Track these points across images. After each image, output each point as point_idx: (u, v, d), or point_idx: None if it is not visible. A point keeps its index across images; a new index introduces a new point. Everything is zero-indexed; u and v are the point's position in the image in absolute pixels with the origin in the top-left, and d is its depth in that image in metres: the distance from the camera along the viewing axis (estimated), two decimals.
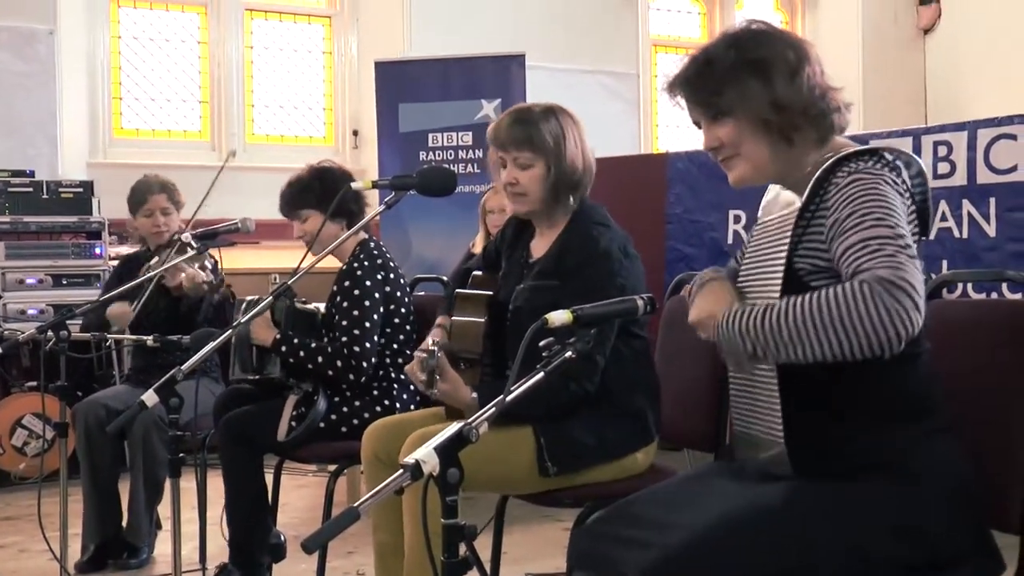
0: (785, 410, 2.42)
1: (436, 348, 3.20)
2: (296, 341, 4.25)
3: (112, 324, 4.98)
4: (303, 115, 9.70)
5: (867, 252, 2.20)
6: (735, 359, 2.45)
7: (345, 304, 4.30)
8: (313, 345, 4.26)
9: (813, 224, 2.40)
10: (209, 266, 4.66)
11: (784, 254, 2.43)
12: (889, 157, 2.43)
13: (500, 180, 3.57)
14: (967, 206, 5.56)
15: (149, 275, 4.66)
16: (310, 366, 4.23)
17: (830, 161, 2.42)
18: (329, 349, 4.25)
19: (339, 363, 4.23)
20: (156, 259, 5.09)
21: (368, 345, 4.27)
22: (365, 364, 4.26)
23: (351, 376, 4.25)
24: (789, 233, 2.44)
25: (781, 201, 2.64)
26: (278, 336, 4.24)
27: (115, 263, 7.06)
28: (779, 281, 2.41)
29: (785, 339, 2.22)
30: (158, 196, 5.28)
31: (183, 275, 4.66)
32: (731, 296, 2.53)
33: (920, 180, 2.47)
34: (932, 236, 5.56)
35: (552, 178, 3.43)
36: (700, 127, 2.64)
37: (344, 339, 4.25)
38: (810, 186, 2.42)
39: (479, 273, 3.83)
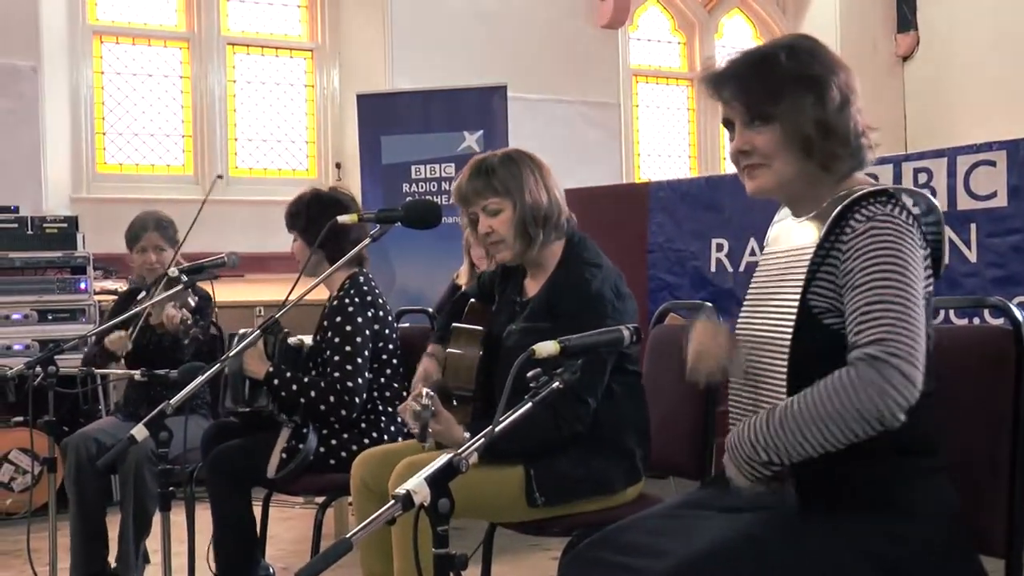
0: None
1: (430, 403, 3.22)
2: (289, 375, 4.25)
3: (112, 351, 4.98)
4: (286, 148, 9.73)
5: (866, 320, 2.23)
6: (752, 478, 2.39)
7: (337, 340, 4.30)
8: (306, 380, 4.26)
9: (828, 262, 2.39)
10: (192, 303, 4.67)
11: (797, 292, 2.41)
12: (907, 201, 2.42)
13: (476, 239, 3.63)
14: (948, 232, 5.60)
15: (136, 311, 4.67)
16: (302, 400, 4.23)
17: (848, 200, 2.39)
18: (321, 384, 4.24)
19: (331, 399, 4.23)
20: (143, 294, 5.10)
21: (360, 381, 4.27)
22: (357, 400, 4.26)
23: (342, 412, 4.25)
24: (802, 271, 2.41)
25: (794, 234, 2.58)
26: (271, 369, 4.24)
27: (100, 297, 7.11)
28: (792, 319, 2.40)
29: (791, 439, 2.25)
30: (152, 234, 5.30)
31: (163, 315, 4.69)
32: (725, 335, 2.54)
33: (935, 223, 2.46)
34: None
35: (519, 216, 3.46)
36: (728, 127, 2.59)
37: (336, 375, 4.25)
38: (827, 224, 2.40)
39: (475, 301, 3.86)
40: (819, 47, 2.53)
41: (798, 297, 2.40)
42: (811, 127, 2.43)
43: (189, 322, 4.64)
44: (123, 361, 5.00)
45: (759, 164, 2.51)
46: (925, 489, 2.37)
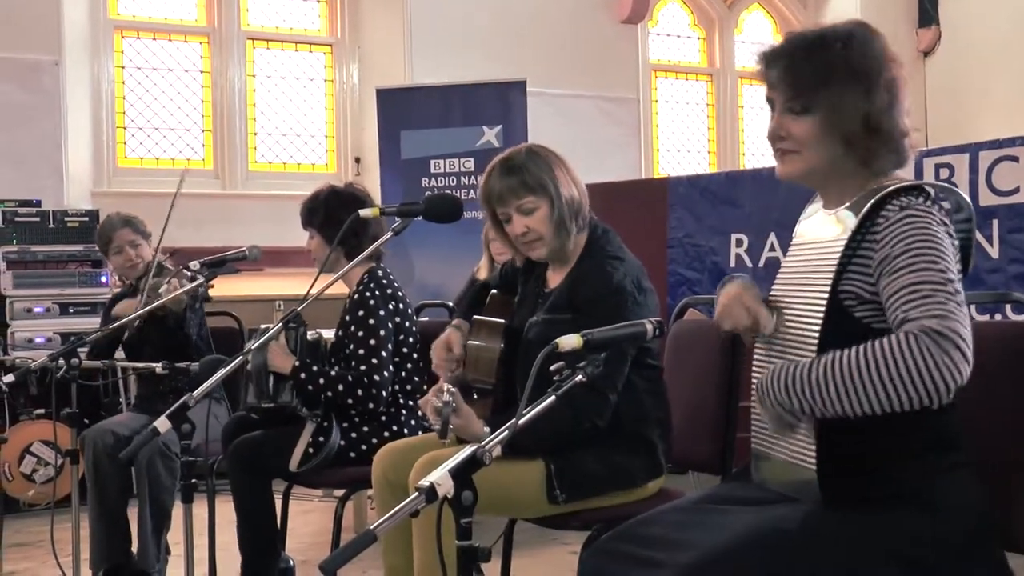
0: (821, 436, 2.39)
1: (451, 399, 3.20)
2: (315, 369, 4.24)
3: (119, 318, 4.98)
4: (305, 143, 9.75)
5: (916, 298, 2.21)
6: (777, 420, 2.37)
7: (360, 333, 4.29)
8: (333, 374, 4.25)
9: (860, 253, 2.38)
10: (188, 274, 4.68)
11: (828, 283, 2.40)
12: (937, 195, 2.41)
13: (509, 236, 3.54)
14: None
15: (138, 312, 4.67)
16: (329, 394, 4.22)
17: (881, 193, 2.38)
18: (349, 378, 4.23)
19: (359, 392, 4.21)
20: (139, 296, 5.11)
21: (386, 374, 4.26)
22: (384, 393, 4.25)
23: (370, 405, 4.24)
24: (833, 262, 2.40)
25: (823, 226, 2.57)
26: (297, 364, 4.23)
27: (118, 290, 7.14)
28: (822, 310, 2.39)
29: (832, 394, 2.22)
30: (122, 231, 5.31)
31: (169, 297, 4.70)
32: (755, 291, 2.55)
33: (966, 218, 2.46)
34: None
35: (557, 213, 3.42)
36: (771, 104, 2.56)
37: (362, 368, 4.24)
38: (860, 217, 2.39)
39: (496, 292, 3.84)
40: (876, 40, 2.51)
41: (828, 288, 2.39)
42: (856, 121, 2.41)
43: (192, 288, 4.67)
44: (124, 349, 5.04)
45: (791, 151, 2.51)
46: (951, 485, 2.36)
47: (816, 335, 2.40)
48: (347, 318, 4.37)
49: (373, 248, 3.87)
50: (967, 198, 2.50)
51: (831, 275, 2.39)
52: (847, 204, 2.48)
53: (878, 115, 2.41)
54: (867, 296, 2.36)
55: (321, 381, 4.22)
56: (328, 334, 4.49)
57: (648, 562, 2.38)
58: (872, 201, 2.38)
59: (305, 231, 4.58)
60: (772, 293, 2.65)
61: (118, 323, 4.72)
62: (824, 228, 2.56)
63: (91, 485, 4.85)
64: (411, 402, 4.34)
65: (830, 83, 2.42)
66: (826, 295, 2.39)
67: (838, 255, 2.40)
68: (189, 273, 4.67)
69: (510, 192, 3.43)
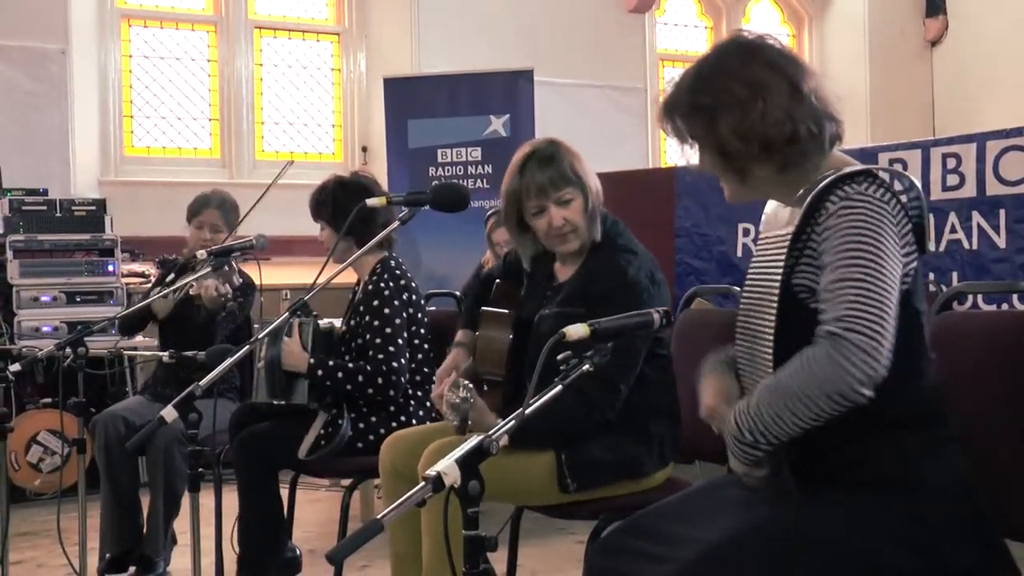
0: None
1: (468, 395, 3.20)
2: (331, 364, 4.25)
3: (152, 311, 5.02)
4: (312, 132, 9.75)
5: (831, 297, 2.25)
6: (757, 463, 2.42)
7: (376, 323, 4.29)
8: (350, 367, 4.25)
9: (809, 246, 2.39)
10: (236, 283, 4.68)
11: (778, 277, 2.42)
12: (884, 177, 2.42)
13: (537, 232, 3.50)
14: (976, 217, 5.58)
15: (180, 283, 4.69)
16: (348, 387, 4.22)
17: (823, 184, 2.39)
18: (368, 368, 4.23)
19: (379, 381, 4.22)
20: (174, 273, 5.12)
21: (403, 362, 4.27)
22: (402, 381, 4.26)
23: (390, 392, 4.25)
24: (782, 257, 2.43)
25: (781, 218, 2.61)
26: (312, 361, 4.23)
27: (128, 279, 7.14)
28: (775, 303, 2.42)
29: (768, 420, 2.28)
30: (212, 211, 5.34)
31: (203, 287, 4.71)
32: (732, 388, 2.59)
33: (915, 197, 2.46)
34: (942, 248, 5.59)
35: (590, 205, 3.43)
36: None
37: (380, 357, 4.24)
38: (803, 209, 2.41)
39: (501, 282, 3.83)
40: (725, 62, 2.51)
41: (779, 282, 2.42)
42: (712, 150, 2.50)
43: (228, 295, 4.67)
44: (157, 326, 5.04)
45: (721, 179, 2.59)
46: (937, 463, 2.36)
47: (771, 327, 2.43)
48: (360, 308, 4.36)
49: (380, 237, 3.87)
50: (915, 181, 2.52)
51: (781, 269, 2.43)
52: (795, 198, 2.49)
53: (726, 138, 2.45)
54: (818, 288, 2.36)
55: (339, 375, 4.22)
56: (339, 323, 4.49)
57: (653, 557, 2.41)
58: (812, 195, 2.40)
59: (316, 223, 4.59)
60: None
61: (148, 301, 4.78)
62: (780, 220, 2.60)
63: (103, 472, 4.86)
64: (420, 392, 4.34)
65: (684, 133, 2.54)
66: (778, 289, 2.41)
67: (786, 249, 2.43)
68: (238, 280, 4.69)
69: (551, 184, 3.40)
